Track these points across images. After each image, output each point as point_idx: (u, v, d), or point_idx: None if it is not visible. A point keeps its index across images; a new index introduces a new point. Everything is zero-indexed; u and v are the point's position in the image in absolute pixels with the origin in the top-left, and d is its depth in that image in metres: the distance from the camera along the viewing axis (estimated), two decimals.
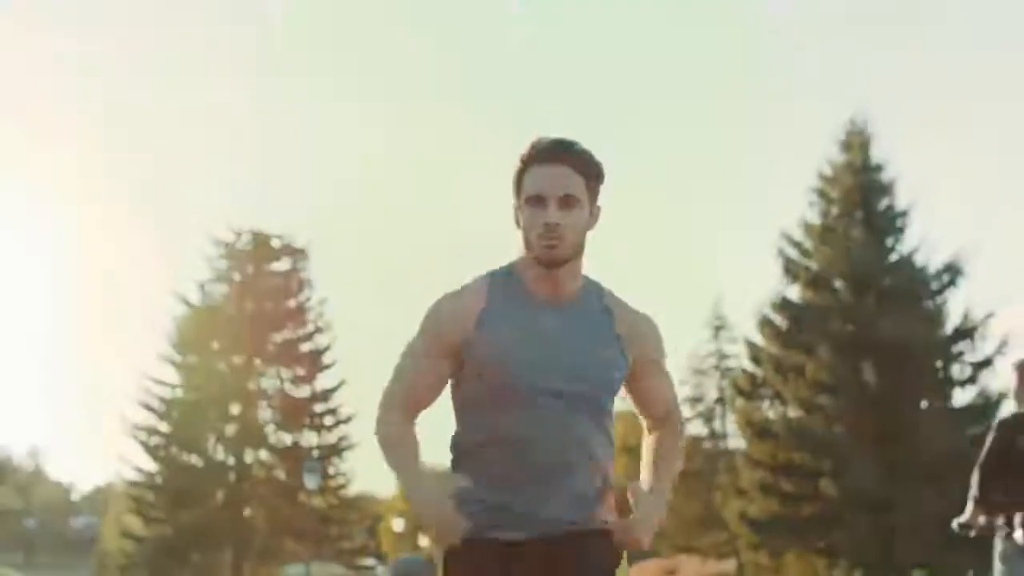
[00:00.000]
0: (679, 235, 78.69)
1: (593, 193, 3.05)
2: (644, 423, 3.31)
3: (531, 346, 3.01)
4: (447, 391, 3.14)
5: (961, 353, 30.39)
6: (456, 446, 3.13)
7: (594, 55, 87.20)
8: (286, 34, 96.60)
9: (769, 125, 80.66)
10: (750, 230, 72.40)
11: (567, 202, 2.98)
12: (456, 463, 3.12)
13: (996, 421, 6.81)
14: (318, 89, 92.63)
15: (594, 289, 3.13)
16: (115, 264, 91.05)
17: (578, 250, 3.04)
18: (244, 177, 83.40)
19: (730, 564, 38.13)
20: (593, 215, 3.07)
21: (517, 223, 3.07)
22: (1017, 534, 6.37)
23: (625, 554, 3.09)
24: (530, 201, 3.00)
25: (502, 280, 3.08)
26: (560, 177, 2.98)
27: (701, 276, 67.65)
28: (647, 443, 3.28)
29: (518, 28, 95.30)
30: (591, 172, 3.03)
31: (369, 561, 45.02)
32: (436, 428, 3.34)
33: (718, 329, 45.27)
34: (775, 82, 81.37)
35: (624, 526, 3.07)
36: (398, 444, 3.07)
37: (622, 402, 3.31)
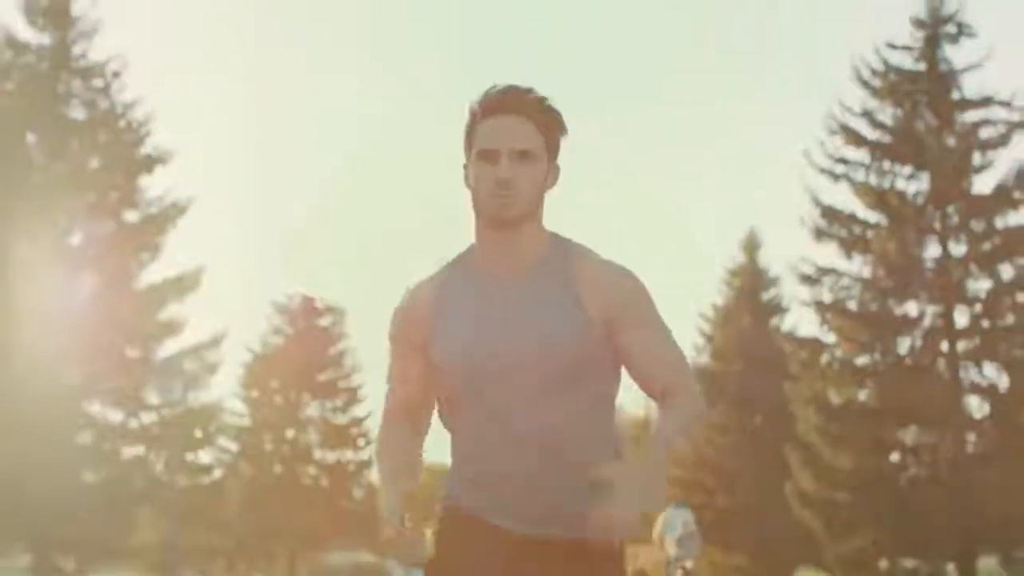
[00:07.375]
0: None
1: (552, 148, 2.64)
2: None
3: (483, 329, 2.61)
4: None
5: None
6: (451, 450, 2.78)
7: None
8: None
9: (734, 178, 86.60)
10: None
11: (521, 156, 2.58)
12: (452, 466, 2.77)
13: None
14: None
15: (561, 250, 2.67)
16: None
17: (534, 210, 2.62)
18: (298, 249, 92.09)
19: None
20: (552, 173, 2.65)
21: (467, 183, 2.65)
22: None
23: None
24: (481, 156, 2.59)
25: (456, 264, 2.72)
26: (514, 129, 2.58)
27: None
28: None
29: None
30: (550, 123, 2.62)
31: None
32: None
33: None
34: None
35: (598, 520, 2.46)
36: (380, 458, 2.76)
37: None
